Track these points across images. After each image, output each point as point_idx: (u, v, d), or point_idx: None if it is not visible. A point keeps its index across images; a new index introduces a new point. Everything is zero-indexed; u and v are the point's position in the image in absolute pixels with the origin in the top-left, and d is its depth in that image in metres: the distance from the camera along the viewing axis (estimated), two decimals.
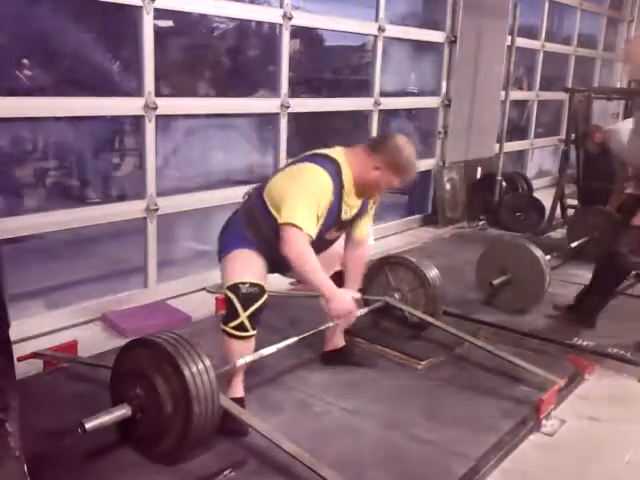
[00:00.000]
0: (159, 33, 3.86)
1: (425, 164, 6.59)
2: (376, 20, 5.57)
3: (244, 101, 4.77)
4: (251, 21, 4.87)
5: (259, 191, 2.76)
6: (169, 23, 4.23)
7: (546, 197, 6.52)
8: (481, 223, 6.56)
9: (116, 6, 3.62)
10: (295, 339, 2.88)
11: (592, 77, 9.81)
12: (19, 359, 2.79)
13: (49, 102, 3.56)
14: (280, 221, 2.54)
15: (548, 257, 3.97)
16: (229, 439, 2.53)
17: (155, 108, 3.84)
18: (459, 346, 3.45)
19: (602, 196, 5.26)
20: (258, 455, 2.44)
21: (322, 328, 3.04)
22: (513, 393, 3.03)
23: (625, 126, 5.00)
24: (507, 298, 4.05)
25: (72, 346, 3.17)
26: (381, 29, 5.60)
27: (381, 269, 3.54)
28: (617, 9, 10.06)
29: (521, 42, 7.02)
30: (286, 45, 4.69)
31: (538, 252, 3.95)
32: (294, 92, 4.88)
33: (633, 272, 4.83)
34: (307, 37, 5.53)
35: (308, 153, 2.78)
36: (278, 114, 4.76)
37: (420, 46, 6.36)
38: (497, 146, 6.87)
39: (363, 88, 5.84)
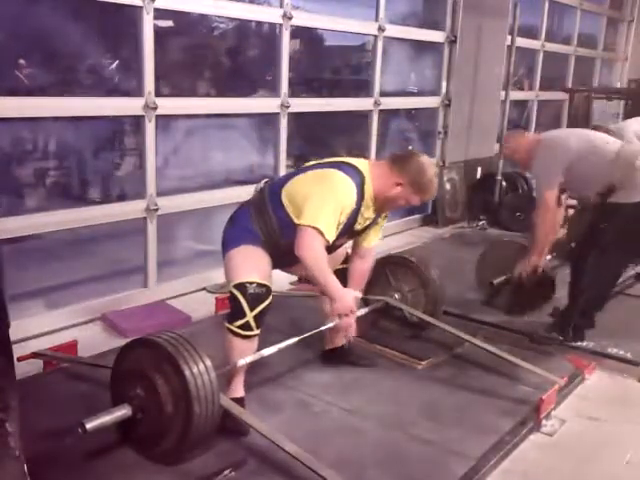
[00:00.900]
0: (159, 33, 3.86)
1: None
2: (376, 20, 5.57)
3: (244, 101, 4.77)
4: (251, 21, 4.87)
5: (273, 187, 2.76)
6: (169, 23, 4.23)
7: None
8: (481, 223, 6.56)
9: (116, 6, 3.62)
10: (295, 339, 2.88)
11: (592, 77, 9.81)
12: (19, 359, 2.79)
13: (49, 102, 3.56)
14: (301, 222, 2.54)
15: (548, 257, 3.97)
16: (229, 439, 2.53)
17: (155, 108, 3.84)
18: (459, 346, 3.45)
19: None
20: (258, 455, 2.44)
21: (322, 329, 3.04)
22: (513, 393, 3.03)
23: (629, 126, 4.98)
24: (507, 298, 4.04)
25: (72, 346, 3.17)
26: (381, 29, 5.60)
27: (381, 269, 3.54)
28: (617, 9, 10.06)
29: (521, 42, 7.02)
30: (286, 45, 4.69)
31: None
32: (294, 92, 4.88)
33: (633, 272, 4.85)
34: (307, 37, 5.53)
35: (334, 160, 2.77)
36: (278, 114, 4.76)
37: (420, 46, 6.36)
38: (497, 146, 6.88)
39: (363, 88, 5.84)
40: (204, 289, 4.30)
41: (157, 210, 3.99)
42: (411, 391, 3.05)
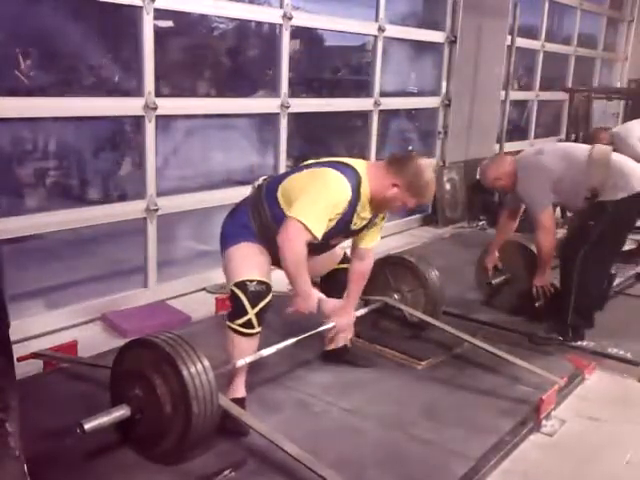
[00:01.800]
0: (159, 33, 3.86)
1: None
2: (376, 20, 5.57)
3: (244, 101, 4.77)
4: (251, 21, 4.87)
5: (270, 185, 2.76)
6: (169, 23, 4.23)
7: None
8: (481, 223, 6.56)
9: (116, 6, 3.62)
10: (295, 339, 2.88)
11: (592, 77, 9.81)
12: (19, 359, 2.79)
13: (49, 102, 3.56)
14: (289, 213, 2.52)
15: None
16: (229, 439, 2.53)
17: (155, 108, 3.84)
18: (459, 346, 3.45)
19: None
20: (258, 455, 2.44)
21: (321, 329, 3.04)
22: (513, 393, 3.03)
23: (631, 130, 4.96)
24: (507, 298, 4.04)
25: (72, 346, 3.18)
26: (381, 29, 5.60)
27: (381, 270, 3.54)
28: (617, 9, 10.06)
29: (521, 42, 7.02)
30: (286, 45, 4.69)
31: None
32: (294, 92, 4.88)
33: (633, 272, 4.85)
34: (307, 37, 5.53)
35: (332, 159, 2.76)
36: (278, 114, 4.76)
37: (420, 46, 6.36)
38: (497, 146, 6.88)
39: (363, 88, 5.84)
40: (204, 289, 4.30)
41: (157, 210, 3.99)
42: (411, 391, 3.05)
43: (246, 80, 5.03)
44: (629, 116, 7.61)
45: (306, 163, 2.82)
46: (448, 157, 6.66)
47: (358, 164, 2.71)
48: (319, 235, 2.51)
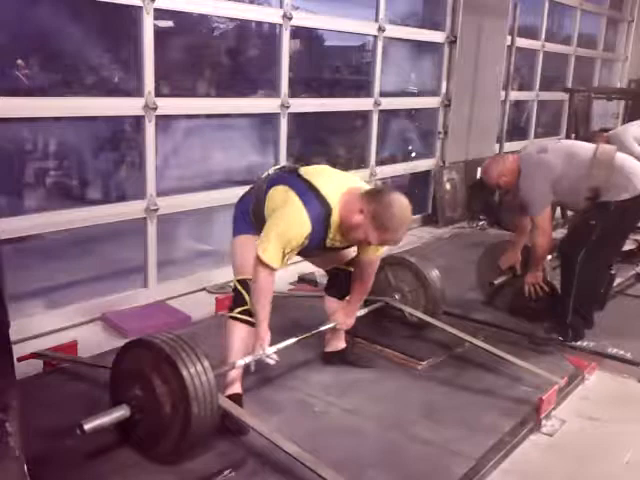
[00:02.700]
0: (159, 33, 3.86)
1: (425, 164, 6.60)
2: (376, 20, 5.57)
3: (244, 101, 4.77)
4: (251, 21, 4.87)
5: (271, 180, 2.77)
6: (169, 23, 4.23)
7: None
8: (481, 223, 6.56)
9: (116, 6, 3.62)
10: (295, 339, 2.88)
11: (592, 77, 9.81)
12: (19, 359, 2.79)
13: (49, 102, 3.56)
14: (257, 247, 2.57)
15: (549, 257, 3.97)
16: (229, 439, 2.53)
17: (155, 108, 3.84)
18: (459, 346, 3.45)
19: None
20: (258, 455, 2.44)
21: (322, 329, 3.05)
22: (513, 393, 3.03)
23: (627, 132, 4.95)
24: (507, 298, 4.04)
25: (72, 346, 3.18)
26: (381, 29, 5.60)
27: (381, 269, 3.54)
28: (617, 9, 10.06)
29: (521, 42, 7.03)
30: (286, 45, 4.69)
31: None
32: (294, 92, 4.88)
33: (633, 272, 4.85)
34: (307, 37, 5.53)
35: (311, 183, 2.64)
36: (278, 114, 4.76)
37: (420, 46, 6.36)
38: (497, 146, 6.88)
39: (363, 88, 5.84)
40: (204, 289, 4.31)
41: (157, 210, 3.99)
42: (411, 391, 3.05)
43: (246, 80, 5.03)
44: (629, 116, 7.61)
45: (299, 170, 2.78)
46: (448, 157, 6.66)
47: (334, 192, 2.62)
48: (277, 266, 2.56)
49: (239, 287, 2.75)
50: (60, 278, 3.94)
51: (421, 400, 2.96)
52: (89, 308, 3.76)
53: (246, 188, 2.99)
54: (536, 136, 8.54)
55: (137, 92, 3.84)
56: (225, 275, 4.20)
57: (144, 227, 3.98)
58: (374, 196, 2.57)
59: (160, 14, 3.84)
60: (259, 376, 2.99)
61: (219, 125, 4.85)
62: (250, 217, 2.81)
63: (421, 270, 3.49)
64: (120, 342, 2.83)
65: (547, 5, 8.11)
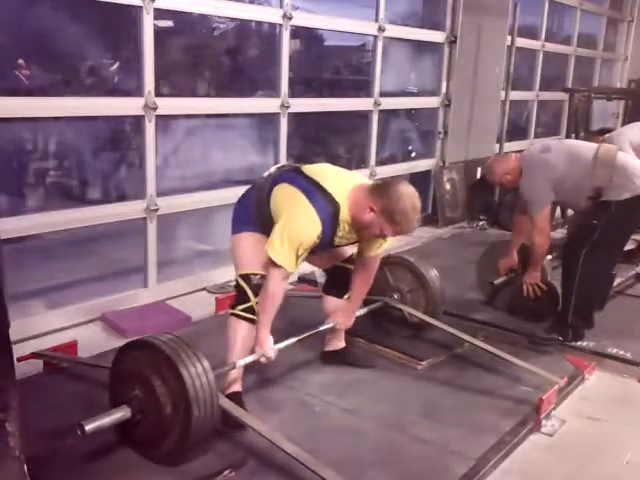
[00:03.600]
0: (159, 33, 3.86)
1: (425, 164, 6.60)
2: (376, 20, 5.57)
3: (244, 101, 4.77)
4: (251, 21, 4.87)
5: (274, 180, 2.75)
6: (169, 23, 4.23)
7: None
8: (481, 223, 6.56)
9: (116, 6, 3.62)
10: (294, 339, 2.88)
11: (592, 77, 9.81)
12: (19, 359, 2.79)
13: (49, 102, 3.56)
14: (269, 252, 2.56)
15: (549, 257, 3.97)
16: (229, 439, 2.53)
17: (155, 108, 3.84)
18: (459, 346, 3.44)
19: None
20: (258, 455, 2.44)
21: (321, 329, 3.05)
22: (513, 393, 3.03)
23: (623, 135, 4.92)
24: (508, 298, 4.04)
25: (72, 346, 3.18)
26: (381, 29, 5.60)
27: (380, 269, 3.53)
28: (617, 9, 10.06)
29: (521, 42, 7.02)
30: (286, 45, 4.69)
31: None
32: (294, 92, 4.88)
33: (633, 272, 4.85)
34: (307, 37, 5.53)
35: (316, 181, 2.64)
36: (278, 114, 4.76)
37: (420, 46, 6.36)
38: (497, 146, 6.88)
39: (363, 88, 5.84)
40: (204, 289, 4.31)
41: (157, 210, 3.99)
42: (411, 391, 3.05)
43: (246, 80, 5.03)
44: (629, 116, 7.61)
45: (305, 169, 2.77)
46: (448, 157, 6.66)
47: (340, 189, 2.62)
48: (291, 269, 2.58)
49: (241, 282, 2.74)
50: (60, 278, 3.94)
51: (421, 400, 2.96)
52: (89, 308, 3.76)
53: (246, 188, 2.99)
54: (536, 136, 8.54)
55: (137, 92, 3.84)
56: (225, 275, 4.21)
57: (144, 227, 3.98)
58: (382, 191, 2.57)
59: (160, 14, 3.85)
60: (259, 376, 2.99)
61: (219, 125, 4.85)
62: (251, 216, 2.80)
63: (420, 271, 3.48)
64: (120, 342, 2.83)
65: (547, 5, 8.11)
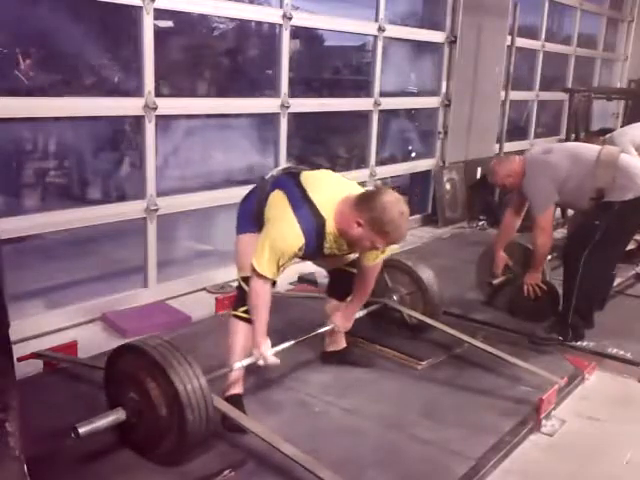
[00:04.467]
0: (159, 33, 3.86)
1: (425, 164, 6.60)
2: (376, 20, 5.57)
3: (244, 101, 4.77)
4: (251, 21, 4.87)
5: (271, 188, 2.72)
6: (169, 23, 4.23)
7: None
8: (481, 223, 6.56)
9: (116, 6, 3.62)
10: (292, 342, 2.88)
11: (592, 77, 9.81)
12: (19, 359, 2.79)
13: (49, 102, 3.56)
14: (252, 261, 2.56)
15: (549, 257, 3.97)
16: (229, 439, 2.53)
17: (155, 108, 3.84)
18: (459, 346, 3.44)
19: None
20: (257, 455, 2.44)
21: (320, 331, 3.06)
22: (513, 393, 3.03)
23: (624, 135, 4.92)
24: (507, 298, 4.04)
25: (72, 346, 3.18)
26: (381, 29, 5.60)
27: (379, 272, 3.54)
28: (617, 9, 10.06)
29: (521, 42, 7.02)
30: (286, 45, 4.69)
31: None
32: (294, 92, 4.88)
33: (633, 272, 4.85)
34: (307, 37, 5.53)
35: (308, 190, 2.61)
36: (278, 114, 4.76)
37: (420, 46, 6.36)
38: (497, 146, 6.88)
39: (363, 88, 5.84)
40: (204, 289, 4.30)
41: (157, 210, 3.99)
42: (411, 391, 3.05)
43: (246, 80, 5.03)
44: (629, 116, 7.61)
45: (300, 176, 2.74)
46: (448, 157, 6.66)
47: (327, 202, 2.59)
48: (271, 277, 2.56)
49: (242, 284, 2.75)
50: (60, 278, 3.94)
51: (421, 400, 2.96)
52: (89, 308, 3.76)
53: (246, 188, 2.99)
54: (536, 136, 8.55)
55: (137, 92, 3.84)
56: (225, 275, 4.21)
57: (144, 227, 3.98)
58: (366, 204, 2.52)
59: (160, 14, 3.84)
60: (259, 376, 2.99)
61: (219, 125, 4.84)
62: (253, 216, 2.78)
63: (418, 274, 3.48)
64: (120, 342, 2.83)
65: (547, 5, 8.10)
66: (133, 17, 3.72)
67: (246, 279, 2.72)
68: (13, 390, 1.68)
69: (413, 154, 6.82)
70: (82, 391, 2.87)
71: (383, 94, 5.80)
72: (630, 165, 3.48)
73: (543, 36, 8.15)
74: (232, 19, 4.68)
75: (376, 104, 5.75)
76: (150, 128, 3.87)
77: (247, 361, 2.67)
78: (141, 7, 3.69)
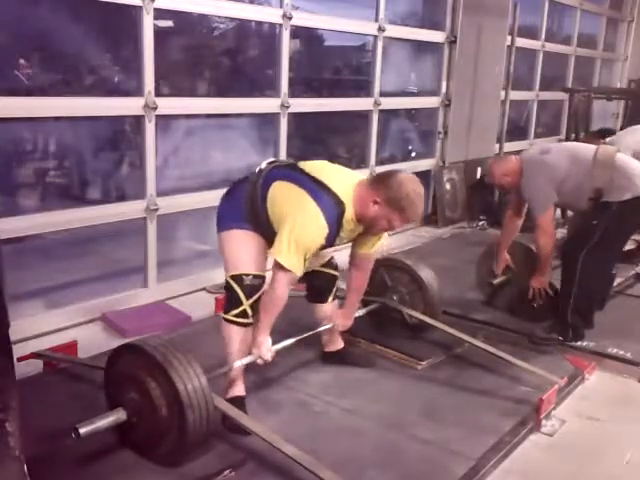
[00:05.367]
0: (159, 33, 3.86)
1: (425, 164, 6.60)
2: (376, 20, 5.57)
3: (244, 101, 4.77)
4: (251, 21, 4.87)
5: (268, 176, 2.68)
6: (169, 23, 4.23)
7: None
8: (481, 223, 6.56)
9: (116, 6, 3.62)
10: (293, 340, 2.88)
11: (592, 77, 9.81)
12: (19, 359, 2.79)
13: (49, 102, 3.56)
14: (276, 257, 2.52)
15: None
16: (229, 440, 2.53)
17: (155, 108, 3.84)
18: (459, 346, 3.44)
19: None
20: (257, 455, 2.44)
21: (319, 330, 3.06)
22: (513, 393, 3.03)
23: (622, 139, 4.91)
24: (507, 298, 4.04)
25: (72, 346, 3.18)
26: (381, 29, 5.60)
27: (378, 271, 3.53)
28: (617, 9, 10.06)
29: (521, 42, 7.02)
30: (286, 45, 4.69)
31: None
32: (294, 92, 4.88)
33: (633, 272, 4.85)
34: (307, 37, 5.53)
35: (321, 180, 2.57)
36: (278, 114, 4.76)
37: (420, 46, 6.36)
38: (497, 146, 6.88)
39: (363, 88, 5.84)
40: (204, 289, 4.30)
41: (157, 210, 3.99)
42: (411, 391, 3.05)
43: (246, 80, 5.03)
44: (629, 116, 7.61)
45: (303, 166, 2.70)
46: (448, 157, 6.66)
47: (345, 189, 2.58)
48: (300, 273, 2.56)
49: (233, 284, 2.65)
50: (60, 278, 3.94)
51: (421, 400, 2.96)
52: (89, 308, 3.76)
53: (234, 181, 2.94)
54: (536, 136, 8.55)
55: (137, 92, 3.84)
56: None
57: (144, 227, 3.98)
58: (382, 183, 2.55)
59: (160, 14, 3.84)
60: (259, 376, 2.99)
61: (219, 125, 4.84)
62: (243, 212, 2.70)
63: (418, 273, 3.48)
64: (120, 342, 2.83)
65: (547, 5, 8.10)
66: (133, 17, 3.72)
67: (236, 277, 2.64)
68: (13, 390, 1.68)
69: (413, 154, 6.82)
70: (82, 391, 2.87)
71: (383, 94, 5.80)
72: (628, 165, 3.48)
73: (543, 36, 8.15)
74: (232, 19, 4.68)
75: (376, 104, 5.75)
76: (150, 128, 3.87)
77: (246, 360, 2.67)
78: (141, 7, 3.69)
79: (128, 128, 4.26)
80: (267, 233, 2.66)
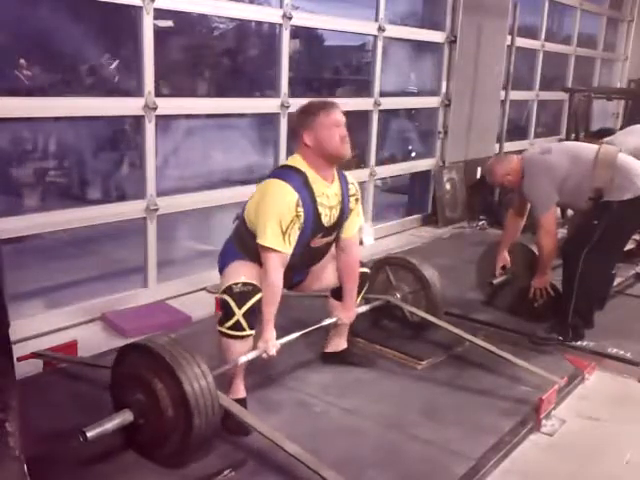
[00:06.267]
0: (159, 33, 3.86)
1: (425, 164, 6.60)
2: (376, 20, 5.57)
3: (244, 101, 4.77)
4: (251, 21, 4.87)
5: (242, 213, 2.80)
6: (169, 23, 4.23)
7: None
8: (481, 223, 6.56)
9: (116, 6, 3.62)
10: (297, 334, 2.86)
11: (592, 77, 9.81)
12: (19, 359, 2.78)
13: (49, 102, 3.55)
14: (258, 241, 2.58)
15: None
16: (229, 439, 2.53)
17: (155, 108, 3.84)
18: (459, 346, 3.44)
19: None
20: (258, 455, 2.44)
21: (324, 324, 3.04)
22: (513, 393, 3.02)
23: (620, 139, 4.90)
24: (507, 298, 4.04)
25: (72, 346, 3.17)
26: (381, 29, 5.59)
27: (382, 269, 3.54)
28: (617, 9, 10.06)
29: (521, 42, 7.02)
30: (286, 45, 4.69)
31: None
32: (294, 92, 4.88)
33: (633, 272, 4.85)
34: (307, 37, 5.53)
35: (280, 165, 2.81)
36: (278, 114, 4.76)
37: (420, 46, 6.36)
38: (497, 146, 6.88)
39: (363, 88, 5.84)
40: (204, 289, 4.30)
41: (157, 210, 3.99)
42: (411, 391, 3.05)
43: (246, 80, 5.04)
44: (629, 116, 7.61)
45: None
46: (448, 157, 6.65)
47: (295, 159, 2.72)
48: (286, 250, 2.58)
49: (224, 296, 2.62)
50: (60, 278, 3.95)
51: (421, 400, 2.95)
52: (89, 308, 3.76)
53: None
54: (536, 136, 8.54)
55: (137, 92, 3.83)
56: None
57: (144, 227, 3.98)
58: (293, 131, 2.77)
59: (160, 14, 3.84)
60: (259, 376, 2.99)
61: (219, 125, 4.85)
62: (235, 247, 2.79)
63: (422, 272, 3.48)
64: (120, 342, 2.84)
65: (547, 5, 8.10)
66: (133, 17, 3.72)
67: (227, 289, 2.62)
68: (13, 390, 1.68)
69: (413, 154, 6.82)
70: (82, 391, 2.87)
71: (383, 94, 5.80)
72: (628, 165, 3.48)
73: (543, 36, 8.15)
74: (232, 19, 4.68)
75: (376, 104, 5.75)
76: (150, 128, 3.86)
77: (252, 355, 2.66)
78: (141, 7, 3.68)
79: (128, 128, 4.27)
80: (256, 252, 2.66)
